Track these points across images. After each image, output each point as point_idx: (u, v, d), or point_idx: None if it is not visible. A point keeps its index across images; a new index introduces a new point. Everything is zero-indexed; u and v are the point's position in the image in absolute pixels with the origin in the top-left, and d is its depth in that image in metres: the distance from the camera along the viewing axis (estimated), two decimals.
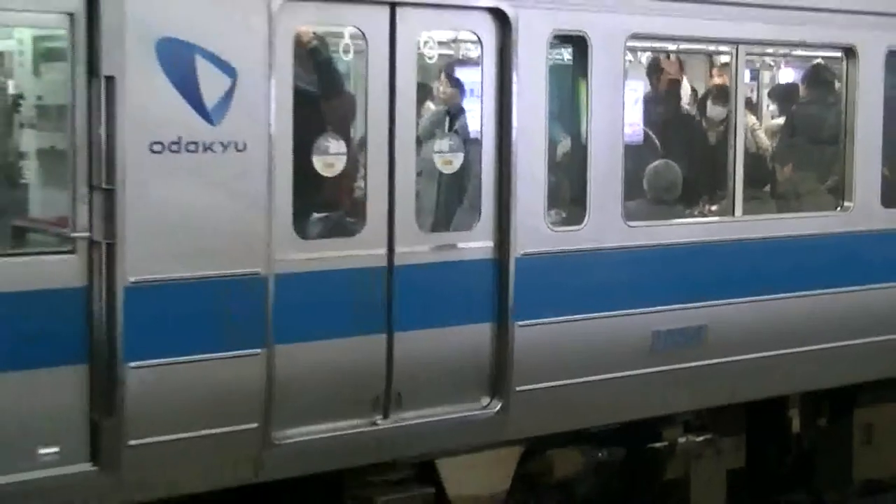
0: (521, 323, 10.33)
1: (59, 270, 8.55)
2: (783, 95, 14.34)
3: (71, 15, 8.48)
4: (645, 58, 13.04)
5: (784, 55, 13.39)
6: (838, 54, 12.82)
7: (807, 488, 13.76)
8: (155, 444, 8.78)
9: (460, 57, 10.93)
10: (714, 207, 12.28)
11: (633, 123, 11.87)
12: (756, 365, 11.96)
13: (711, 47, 12.76)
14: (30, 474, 8.41)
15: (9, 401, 8.29)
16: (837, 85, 13.25)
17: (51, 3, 8.50)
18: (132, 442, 8.68)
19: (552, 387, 10.59)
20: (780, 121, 14.22)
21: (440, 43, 10.53)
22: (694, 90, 14.09)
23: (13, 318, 8.29)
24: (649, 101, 12.81)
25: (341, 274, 9.58)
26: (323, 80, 10.16)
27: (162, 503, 9.10)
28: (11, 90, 9.40)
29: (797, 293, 12.20)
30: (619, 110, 11.09)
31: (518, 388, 10.36)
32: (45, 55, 9.39)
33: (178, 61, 8.78)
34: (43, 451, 8.47)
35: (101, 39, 8.49)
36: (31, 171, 9.42)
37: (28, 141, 9.41)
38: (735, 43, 12.03)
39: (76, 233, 8.59)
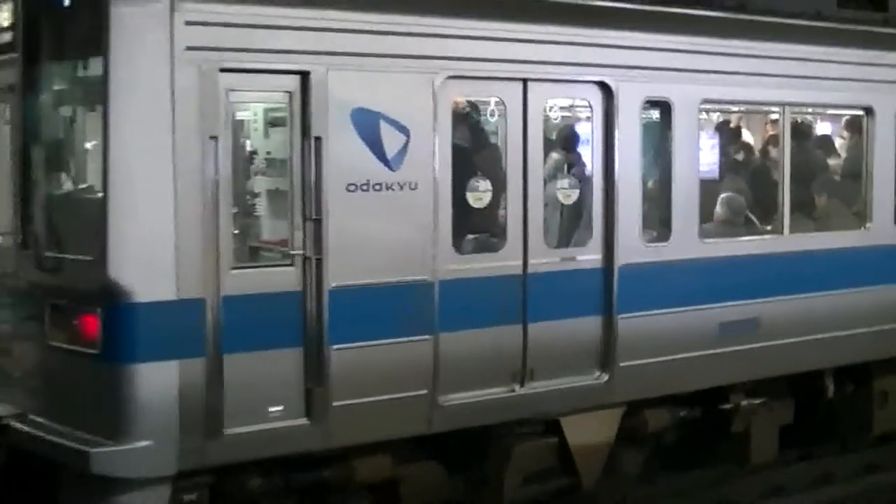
0: (622, 315, 10.26)
1: (282, 278, 8.65)
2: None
3: (290, 93, 8.62)
4: (715, 116, 12.85)
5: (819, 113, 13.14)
6: (861, 113, 12.57)
7: (838, 439, 13.54)
8: (352, 404, 8.84)
9: (576, 117, 10.86)
10: (768, 227, 12.04)
11: (706, 165, 11.70)
12: (798, 346, 11.74)
13: (764, 108, 12.52)
14: (262, 425, 8.52)
15: (249, 373, 8.40)
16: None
17: (276, 85, 8.64)
18: (336, 403, 8.76)
19: (646, 363, 10.49)
20: None
21: (560, 107, 10.49)
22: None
23: (251, 313, 8.41)
24: (720, 148, 12.65)
25: (488, 280, 9.57)
26: (473, 136, 10.19)
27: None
28: (248, 148, 9.55)
29: (830, 292, 11.98)
30: (695, 155, 11.00)
31: (621, 364, 10.29)
32: (272, 122, 9.56)
33: (367, 124, 8.85)
34: (272, 409, 8.58)
35: (312, 110, 8.60)
36: (262, 206, 9.57)
37: (260, 184, 9.57)
38: (782, 105, 11.84)
39: (294, 251, 8.70)
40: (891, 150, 12.59)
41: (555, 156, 10.52)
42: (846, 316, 12.14)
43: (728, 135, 12.84)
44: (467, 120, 10.11)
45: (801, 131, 12.54)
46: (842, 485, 12.73)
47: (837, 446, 13.55)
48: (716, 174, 12.14)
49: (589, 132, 10.33)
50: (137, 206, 8.02)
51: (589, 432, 10.48)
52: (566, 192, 10.29)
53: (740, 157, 12.75)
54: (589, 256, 10.23)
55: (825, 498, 12.43)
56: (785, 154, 11.80)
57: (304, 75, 8.58)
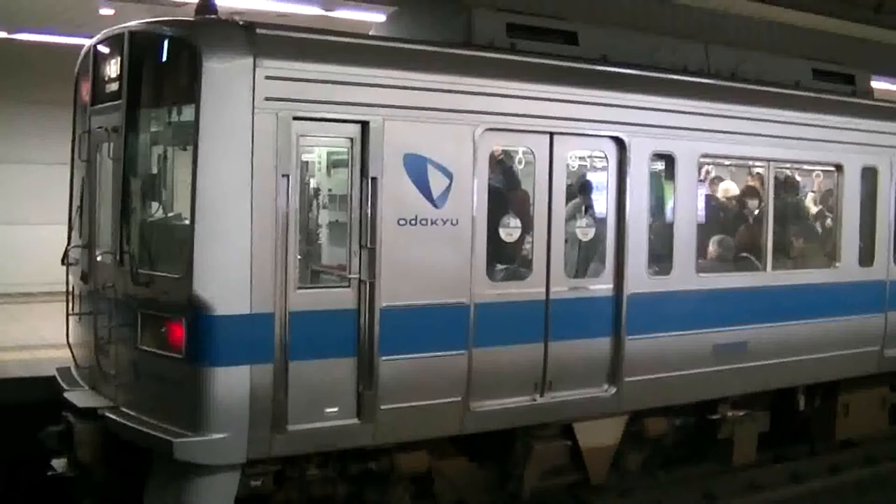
0: (630, 337, 9.92)
1: (340, 298, 8.45)
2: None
3: (352, 139, 8.46)
4: (711, 169, 12.48)
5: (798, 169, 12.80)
6: (832, 169, 12.22)
7: (807, 443, 13.19)
8: (398, 408, 8.59)
9: (593, 167, 10.54)
10: (754, 265, 11.64)
11: (703, 210, 11.34)
12: (778, 366, 11.33)
13: (751, 163, 12.15)
14: (320, 423, 8.32)
15: (310, 378, 8.21)
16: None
17: (339, 132, 8.46)
18: (383, 406, 8.52)
19: (649, 378, 10.13)
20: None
21: (580, 158, 10.28)
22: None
23: (313, 327, 8.21)
24: (712, 196, 12.29)
25: (516, 304, 9.28)
26: (506, 180, 9.86)
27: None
28: (313, 185, 9.33)
29: (805, 321, 11.56)
30: (694, 202, 10.69)
31: (627, 379, 9.95)
32: (334, 163, 9.35)
33: (416, 167, 8.66)
34: (328, 409, 8.36)
35: (369, 154, 8.43)
36: (324, 235, 9.36)
37: (322, 216, 9.37)
38: (768, 161, 11.49)
39: (350, 275, 8.49)
40: (856, 200, 12.27)
41: (575, 199, 10.19)
42: (818, 341, 11.74)
43: (721, 185, 12.45)
44: (501, 166, 9.80)
45: (783, 184, 12.15)
46: (809, 483, 12.41)
47: (806, 450, 13.21)
48: (711, 218, 11.74)
49: (604, 180, 10.04)
50: (219, 232, 7.91)
51: (597, 436, 10.15)
52: (584, 231, 9.98)
53: (732, 204, 12.34)
54: (602, 286, 9.90)
55: (795, 494, 12.12)
56: (769, 203, 11.46)
57: (364, 124, 8.41)
